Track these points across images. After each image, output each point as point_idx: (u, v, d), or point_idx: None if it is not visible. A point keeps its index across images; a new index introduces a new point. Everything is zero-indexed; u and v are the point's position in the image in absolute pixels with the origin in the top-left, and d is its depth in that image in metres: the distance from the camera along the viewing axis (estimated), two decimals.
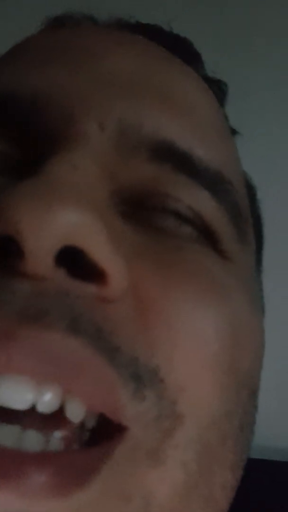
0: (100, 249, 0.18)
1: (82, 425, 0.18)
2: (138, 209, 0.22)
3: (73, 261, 0.18)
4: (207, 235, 0.23)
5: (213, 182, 0.23)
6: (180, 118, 0.24)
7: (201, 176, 0.23)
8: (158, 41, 0.28)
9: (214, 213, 0.23)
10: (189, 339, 0.20)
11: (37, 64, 0.24)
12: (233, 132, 0.31)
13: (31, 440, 0.18)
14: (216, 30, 0.70)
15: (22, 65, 0.24)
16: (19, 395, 0.17)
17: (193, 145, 0.23)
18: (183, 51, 0.29)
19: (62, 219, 0.17)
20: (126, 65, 0.24)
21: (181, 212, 0.23)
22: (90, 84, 0.23)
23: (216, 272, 0.22)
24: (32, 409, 0.17)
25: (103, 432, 0.18)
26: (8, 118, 0.22)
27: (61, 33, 0.26)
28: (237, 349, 0.21)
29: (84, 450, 0.18)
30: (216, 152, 0.24)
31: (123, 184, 0.22)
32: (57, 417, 0.18)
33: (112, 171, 0.22)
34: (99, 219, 0.18)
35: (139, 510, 0.18)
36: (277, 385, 0.63)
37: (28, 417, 0.18)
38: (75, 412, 0.18)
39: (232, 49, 0.70)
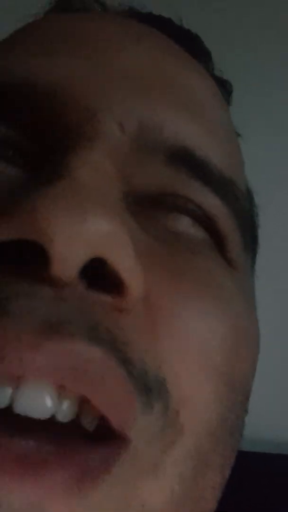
0: (125, 261, 0.18)
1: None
2: (151, 210, 0.22)
3: (93, 269, 0.18)
4: (218, 242, 0.23)
5: (226, 189, 0.23)
6: (198, 124, 0.23)
7: (215, 183, 0.23)
8: (170, 35, 0.28)
9: (226, 220, 0.23)
10: (195, 351, 0.20)
11: (56, 51, 0.23)
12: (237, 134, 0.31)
13: None
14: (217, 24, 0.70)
15: (38, 50, 0.23)
16: (40, 403, 0.17)
17: (210, 153, 0.23)
18: (194, 48, 0.29)
19: (95, 229, 0.16)
20: (147, 63, 0.24)
21: (195, 213, 0.23)
22: (112, 80, 0.22)
23: (224, 282, 0.22)
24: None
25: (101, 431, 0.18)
26: (23, 105, 0.21)
27: (77, 19, 0.26)
28: (237, 359, 0.22)
29: (95, 449, 0.18)
30: (229, 159, 0.24)
31: (137, 186, 0.22)
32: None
33: (128, 172, 0.22)
34: (126, 229, 0.18)
35: None
36: (275, 380, 0.63)
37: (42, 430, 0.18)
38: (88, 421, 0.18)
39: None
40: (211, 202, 0.23)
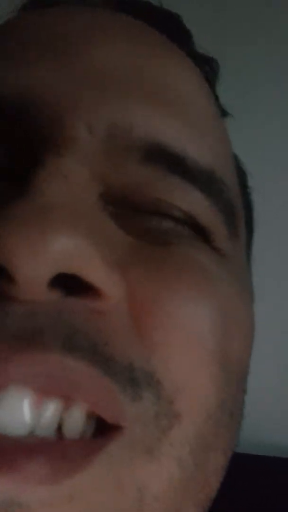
0: (94, 273, 0.18)
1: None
2: (130, 212, 0.22)
3: (69, 278, 0.18)
4: (202, 234, 0.23)
5: (206, 183, 0.23)
6: (174, 117, 0.23)
7: (194, 178, 0.22)
8: (145, 19, 0.26)
9: (208, 214, 0.23)
10: (184, 339, 0.20)
11: (20, 59, 0.22)
12: (224, 113, 0.30)
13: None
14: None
15: (1, 60, 0.23)
16: (17, 416, 0.17)
17: (187, 146, 0.22)
18: (173, 28, 0.28)
19: (55, 247, 0.17)
20: (115, 58, 0.23)
21: (175, 215, 0.22)
22: (78, 82, 0.22)
23: (209, 266, 0.22)
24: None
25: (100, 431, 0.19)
26: None
27: (47, 17, 0.25)
28: (228, 340, 0.22)
29: (77, 441, 0.18)
30: (210, 150, 0.24)
31: (114, 187, 0.22)
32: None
33: (103, 175, 0.21)
34: (92, 241, 0.18)
35: (133, 500, 0.18)
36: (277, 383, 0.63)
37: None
38: (74, 429, 0.18)
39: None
40: (192, 197, 0.22)
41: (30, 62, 0.22)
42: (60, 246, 0.17)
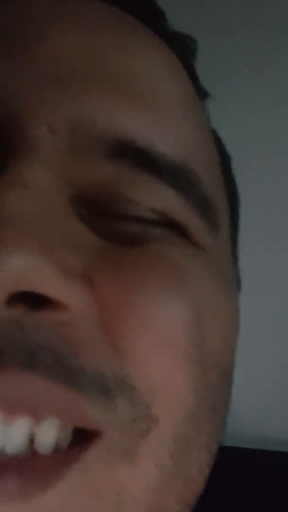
0: (51, 287, 0.17)
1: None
2: (100, 215, 0.21)
3: (29, 293, 0.17)
4: (176, 230, 0.22)
5: (177, 177, 0.22)
6: (140, 108, 0.21)
7: (164, 173, 0.21)
8: (118, 3, 0.25)
9: (181, 210, 0.22)
10: (156, 341, 0.19)
11: None
12: (204, 94, 0.28)
13: None
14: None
15: None
16: None
17: (155, 139, 0.21)
18: (143, 8, 0.26)
19: (7, 267, 0.16)
20: (75, 47, 0.21)
21: (145, 218, 0.21)
22: (36, 75, 0.20)
23: (179, 259, 0.21)
24: None
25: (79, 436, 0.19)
26: None
27: (10, 7, 0.23)
28: (205, 337, 0.21)
29: (50, 456, 0.18)
30: (181, 141, 0.22)
31: (81, 188, 0.21)
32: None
33: (69, 175, 0.20)
34: (47, 255, 0.17)
35: (111, 504, 0.18)
36: (276, 379, 0.62)
37: None
38: (46, 443, 0.18)
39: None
40: (162, 193, 0.21)
41: None
42: (12, 266, 0.16)
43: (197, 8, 0.64)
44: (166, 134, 0.22)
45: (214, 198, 0.23)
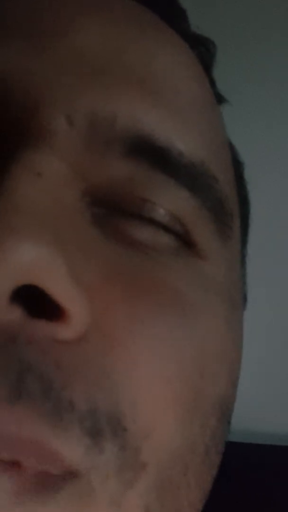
0: (58, 284, 0.16)
1: None
2: (113, 214, 0.20)
3: (33, 296, 0.16)
4: (185, 241, 0.21)
5: (194, 178, 0.21)
6: (161, 105, 0.21)
7: (181, 173, 0.20)
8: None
9: (194, 214, 0.21)
10: (153, 379, 0.18)
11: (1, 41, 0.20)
12: (220, 99, 0.28)
13: None
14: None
15: None
16: None
17: (174, 137, 0.20)
18: (165, 7, 0.26)
19: (16, 256, 0.15)
20: (99, 40, 0.21)
21: (158, 220, 0.21)
22: (56, 66, 0.20)
23: (193, 296, 0.20)
24: None
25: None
26: None
27: None
28: (205, 381, 0.20)
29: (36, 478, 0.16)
30: (200, 141, 0.22)
31: (96, 183, 0.20)
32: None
33: (84, 170, 0.19)
34: (60, 248, 0.16)
35: None
36: (260, 371, 0.62)
37: None
38: None
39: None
40: (177, 195, 0.21)
41: (3, 43, 0.20)
42: (21, 256, 0.15)
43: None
44: (185, 132, 0.21)
45: (230, 201, 0.23)
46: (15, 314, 0.16)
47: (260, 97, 0.67)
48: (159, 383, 0.18)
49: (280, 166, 0.68)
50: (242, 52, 0.65)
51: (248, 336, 0.25)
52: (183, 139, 0.21)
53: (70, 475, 0.16)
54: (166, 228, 0.21)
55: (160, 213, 0.21)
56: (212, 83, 0.27)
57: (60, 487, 0.16)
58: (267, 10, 0.67)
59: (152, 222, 0.20)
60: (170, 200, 0.21)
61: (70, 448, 0.16)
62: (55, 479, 0.16)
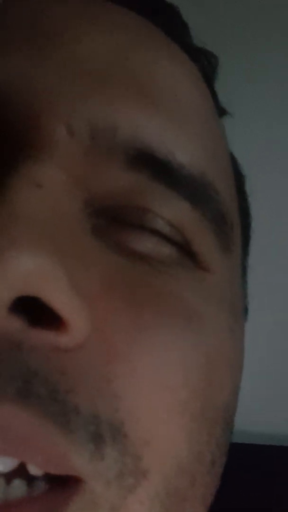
0: (58, 296, 0.16)
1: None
2: (113, 224, 0.20)
3: (32, 303, 0.16)
4: (187, 251, 0.21)
5: (195, 189, 0.21)
6: (162, 116, 0.21)
7: (181, 185, 0.20)
8: (138, 9, 0.24)
9: (195, 225, 0.21)
10: (155, 388, 0.18)
11: (3, 50, 0.20)
12: (222, 112, 0.28)
13: None
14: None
15: None
16: None
17: (175, 148, 0.20)
18: (168, 20, 0.26)
19: (16, 267, 0.15)
20: (101, 51, 0.21)
21: (159, 231, 0.21)
22: (57, 76, 0.20)
23: (194, 304, 0.20)
24: None
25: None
26: None
27: (33, 3, 0.23)
28: (210, 389, 0.20)
29: (44, 498, 0.17)
30: (201, 151, 0.22)
31: (96, 194, 0.20)
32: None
33: (84, 180, 0.19)
34: (60, 259, 0.16)
35: None
36: (261, 371, 0.62)
37: None
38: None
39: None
40: (179, 206, 0.21)
41: (3, 51, 0.20)
42: (21, 266, 0.15)
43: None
44: (186, 144, 0.21)
45: (230, 212, 0.23)
46: (15, 325, 0.16)
47: (260, 97, 0.66)
48: (162, 391, 0.18)
49: (280, 166, 0.67)
50: (242, 52, 0.65)
51: (248, 337, 0.25)
52: (184, 151, 0.21)
53: (74, 482, 0.16)
54: (167, 239, 0.21)
55: (161, 224, 0.21)
56: (214, 95, 0.27)
57: (70, 500, 0.16)
58: (267, 10, 0.66)
59: (153, 233, 0.20)
60: (171, 211, 0.21)
61: (77, 451, 0.16)
62: (62, 493, 0.16)
